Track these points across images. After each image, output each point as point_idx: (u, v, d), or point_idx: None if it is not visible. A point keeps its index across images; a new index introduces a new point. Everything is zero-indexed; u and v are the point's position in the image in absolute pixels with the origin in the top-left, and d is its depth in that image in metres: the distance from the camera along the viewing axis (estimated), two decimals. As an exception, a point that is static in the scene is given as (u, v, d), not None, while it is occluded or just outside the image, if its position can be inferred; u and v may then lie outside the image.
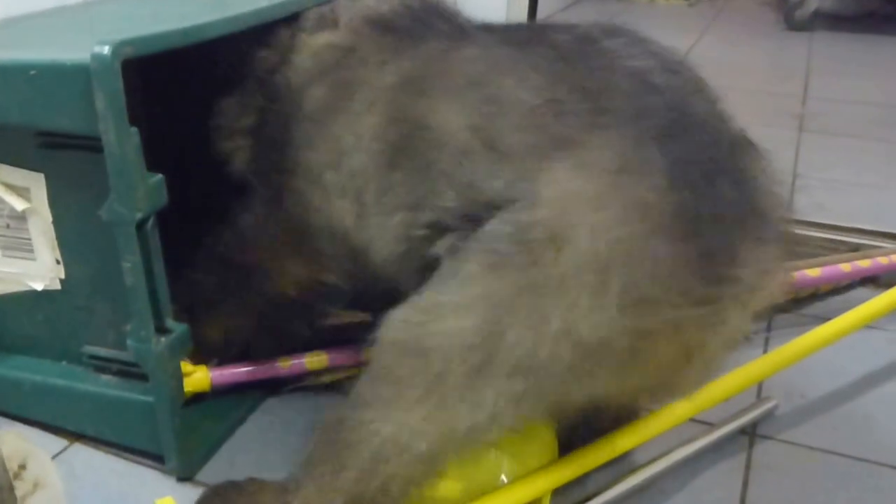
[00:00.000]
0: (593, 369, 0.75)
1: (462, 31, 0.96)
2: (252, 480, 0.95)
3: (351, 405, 0.84)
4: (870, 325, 1.35)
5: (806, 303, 1.43)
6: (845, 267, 1.40)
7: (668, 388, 0.85)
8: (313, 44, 1.03)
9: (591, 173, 0.73)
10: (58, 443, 1.07)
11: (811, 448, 1.08)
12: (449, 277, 0.78)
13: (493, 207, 0.78)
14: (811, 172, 2.01)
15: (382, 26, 0.99)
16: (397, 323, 0.80)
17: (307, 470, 0.87)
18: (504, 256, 0.75)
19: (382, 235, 0.91)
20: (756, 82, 2.81)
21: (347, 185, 0.94)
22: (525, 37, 0.92)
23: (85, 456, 1.05)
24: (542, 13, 1.62)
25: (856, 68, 3.01)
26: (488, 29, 0.97)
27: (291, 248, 1.04)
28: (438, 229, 0.85)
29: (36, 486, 0.82)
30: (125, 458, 1.05)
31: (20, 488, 0.79)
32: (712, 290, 0.73)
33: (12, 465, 0.81)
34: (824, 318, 1.25)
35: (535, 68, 0.83)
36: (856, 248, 1.53)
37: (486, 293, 0.75)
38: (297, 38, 1.05)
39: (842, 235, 1.57)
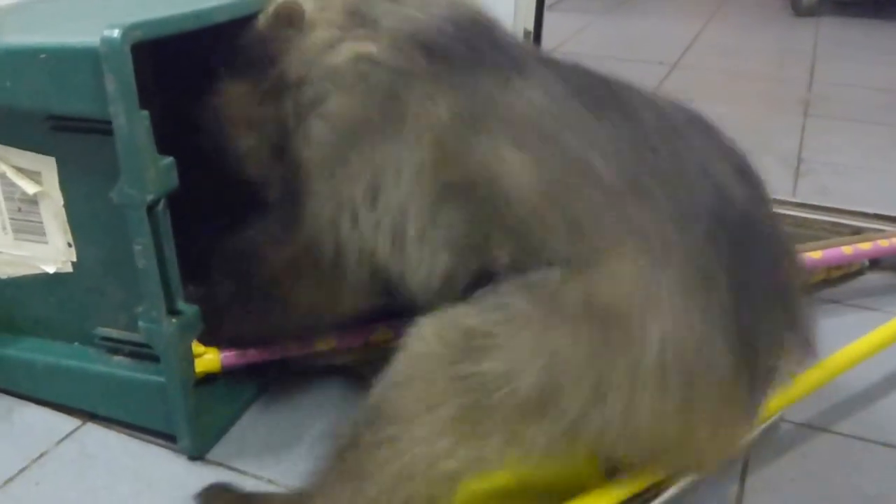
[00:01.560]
0: (637, 444, 0.79)
1: (516, 63, 0.92)
2: (263, 496, 0.96)
3: (369, 418, 0.82)
4: (868, 306, 1.37)
5: (817, 289, 1.45)
6: (847, 249, 1.41)
7: (694, 464, 0.88)
8: (348, 48, 0.95)
9: (668, 271, 0.77)
10: (71, 422, 1.08)
11: (811, 427, 1.10)
12: (494, 309, 0.80)
13: (548, 264, 0.81)
14: (815, 156, 2.02)
15: (431, 50, 0.92)
16: (431, 337, 0.81)
17: (321, 489, 0.85)
18: (563, 309, 0.78)
19: (421, 269, 0.91)
20: (762, 67, 2.82)
21: (383, 219, 0.91)
22: (595, 93, 0.89)
23: (97, 435, 1.07)
24: (549, -1, 1.62)
25: (862, 53, 3.02)
26: (544, 62, 0.94)
27: (308, 272, 0.98)
28: (484, 275, 0.86)
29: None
30: (137, 438, 1.06)
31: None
32: (753, 400, 0.82)
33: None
34: (836, 302, 1.32)
35: (615, 143, 0.84)
36: (858, 231, 1.53)
37: (544, 346, 0.77)
38: (323, 30, 0.97)
39: (845, 219, 1.58)
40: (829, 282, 1.47)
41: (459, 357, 0.78)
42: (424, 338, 0.81)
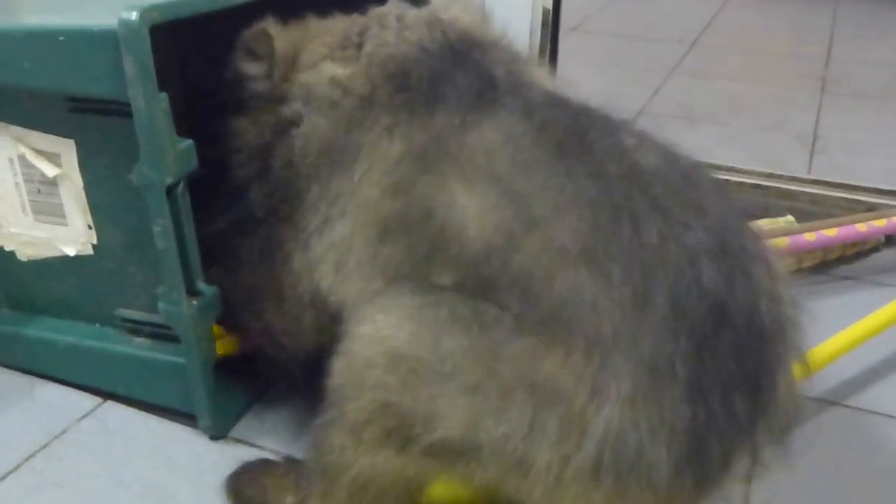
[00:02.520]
0: None
1: (481, 96, 0.87)
2: (285, 462, 0.97)
3: (324, 422, 0.82)
4: (883, 282, 1.38)
5: (832, 265, 1.45)
6: (861, 227, 1.42)
7: None
8: (325, 68, 0.95)
9: (618, 362, 0.70)
10: (91, 400, 1.10)
11: (822, 401, 1.11)
12: (427, 335, 0.77)
13: (497, 305, 0.75)
14: (831, 134, 2.02)
15: (398, 80, 0.90)
16: (358, 351, 0.79)
17: (309, 482, 0.87)
18: (501, 366, 0.73)
19: (359, 298, 0.87)
20: (780, 45, 2.81)
21: (328, 252, 0.90)
22: (561, 135, 0.82)
23: (118, 413, 1.08)
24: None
25: (880, 32, 3.00)
26: (516, 92, 0.88)
27: (273, 299, 0.98)
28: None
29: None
30: (157, 415, 1.07)
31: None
32: (699, 493, 0.74)
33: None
34: (852, 278, 1.34)
35: (573, 199, 0.76)
36: (872, 208, 1.53)
37: (471, 404, 0.73)
38: (309, 48, 0.97)
39: (859, 195, 1.59)
40: (844, 258, 1.47)
41: (381, 382, 0.76)
42: (350, 353, 0.79)
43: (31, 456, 1.02)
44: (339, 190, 0.89)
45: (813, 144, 1.95)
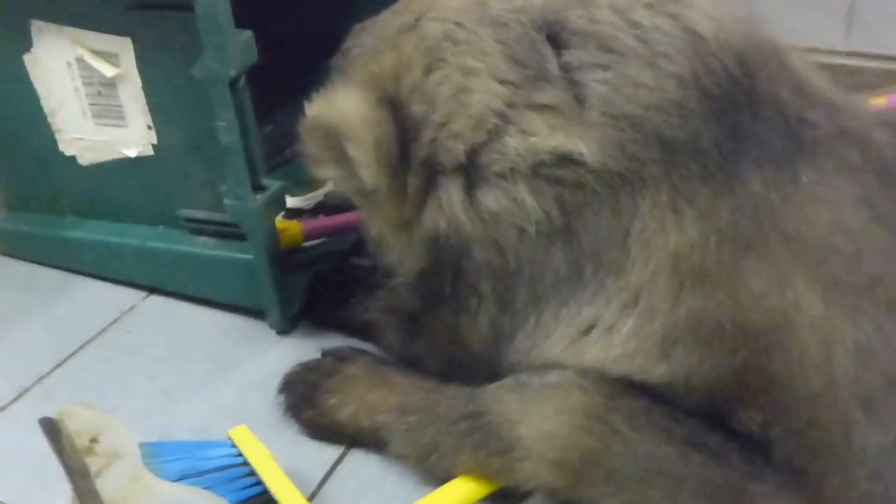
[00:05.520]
0: None
1: (800, 143, 0.67)
2: (333, 361, 0.92)
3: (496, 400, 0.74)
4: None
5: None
6: (909, 96, 1.40)
7: None
8: (542, 138, 0.69)
9: None
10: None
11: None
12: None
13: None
14: (867, 4, 1.98)
15: (668, 140, 0.66)
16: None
17: (429, 426, 0.78)
18: None
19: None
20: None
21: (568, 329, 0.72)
22: None
23: (185, 309, 1.11)
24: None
25: None
26: (839, 136, 0.68)
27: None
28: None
29: (111, 457, 0.74)
30: (224, 311, 1.09)
31: (94, 464, 0.73)
32: None
33: (83, 441, 0.74)
34: None
35: None
36: (909, 79, 1.52)
37: None
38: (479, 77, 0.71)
39: (896, 66, 1.56)
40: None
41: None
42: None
43: (103, 330, 1.08)
44: (600, 292, 0.70)
45: (849, 13, 1.92)
